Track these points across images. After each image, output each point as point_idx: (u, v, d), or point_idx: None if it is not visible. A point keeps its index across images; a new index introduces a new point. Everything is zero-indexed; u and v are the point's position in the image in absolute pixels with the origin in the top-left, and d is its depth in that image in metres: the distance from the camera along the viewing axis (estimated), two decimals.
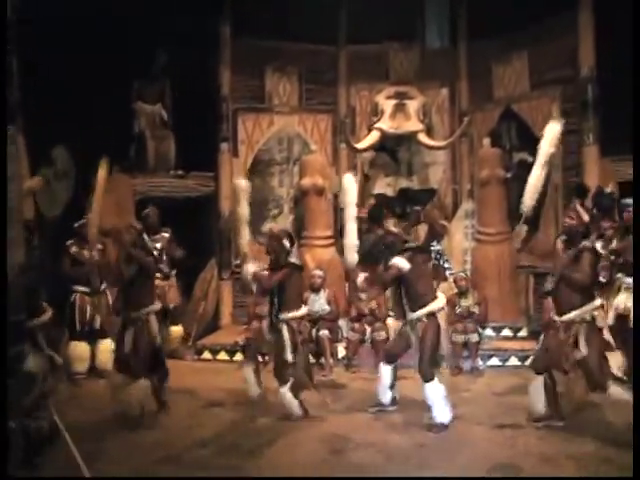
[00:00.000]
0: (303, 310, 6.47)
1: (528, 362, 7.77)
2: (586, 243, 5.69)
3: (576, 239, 5.71)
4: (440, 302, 6.14)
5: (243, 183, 8.49)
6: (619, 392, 5.54)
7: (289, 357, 6.18)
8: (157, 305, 6.51)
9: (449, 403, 5.93)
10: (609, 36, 8.82)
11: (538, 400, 5.80)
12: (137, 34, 9.14)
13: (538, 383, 5.81)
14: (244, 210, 8.16)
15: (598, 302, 5.76)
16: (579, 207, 7.51)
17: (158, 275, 8.66)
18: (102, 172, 7.60)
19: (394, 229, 6.53)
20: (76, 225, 7.95)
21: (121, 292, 6.68)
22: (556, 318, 5.73)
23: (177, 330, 8.97)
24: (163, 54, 10.01)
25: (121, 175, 9.32)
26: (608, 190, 8.30)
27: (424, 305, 6.02)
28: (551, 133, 6.32)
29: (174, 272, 8.95)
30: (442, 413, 5.85)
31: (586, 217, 6.41)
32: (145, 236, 8.48)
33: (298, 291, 6.51)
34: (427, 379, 5.90)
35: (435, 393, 5.88)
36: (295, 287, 6.41)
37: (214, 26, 10.18)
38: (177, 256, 8.82)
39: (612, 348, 6.66)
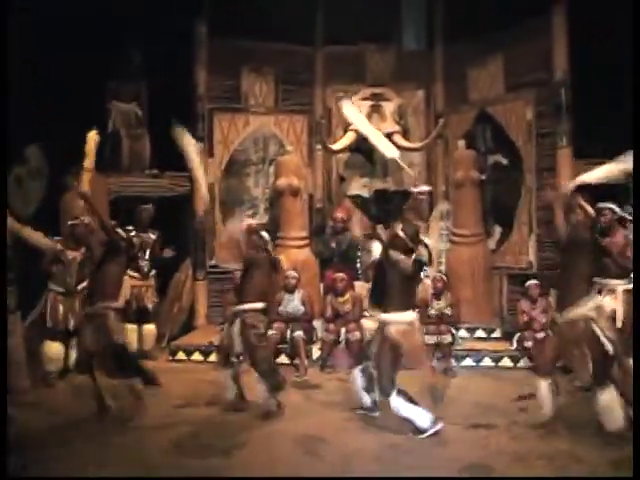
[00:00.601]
0: (259, 305, 6.41)
1: (520, 364, 8.00)
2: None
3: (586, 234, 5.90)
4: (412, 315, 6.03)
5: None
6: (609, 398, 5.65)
7: (237, 349, 6.20)
8: (117, 302, 6.42)
9: (422, 406, 5.87)
10: (583, 40, 8.91)
11: (546, 405, 5.85)
12: (113, 32, 9.09)
13: (544, 387, 5.87)
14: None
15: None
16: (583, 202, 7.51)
17: (136, 275, 8.72)
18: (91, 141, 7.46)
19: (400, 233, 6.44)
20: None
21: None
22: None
23: (150, 329, 8.94)
24: (139, 53, 9.97)
25: (95, 174, 9.22)
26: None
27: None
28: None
29: (153, 272, 8.97)
30: (421, 419, 5.74)
31: (591, 210, 6.42)
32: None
33: (262, 286, 6.48)
34: (385, 394, 5.83)
35: (400, 405, 5.77)
36: (260, 280, 6.40)
37: (190, 25, 10.14)
38: (166, 256, 8.88)
39: None
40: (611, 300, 6.83)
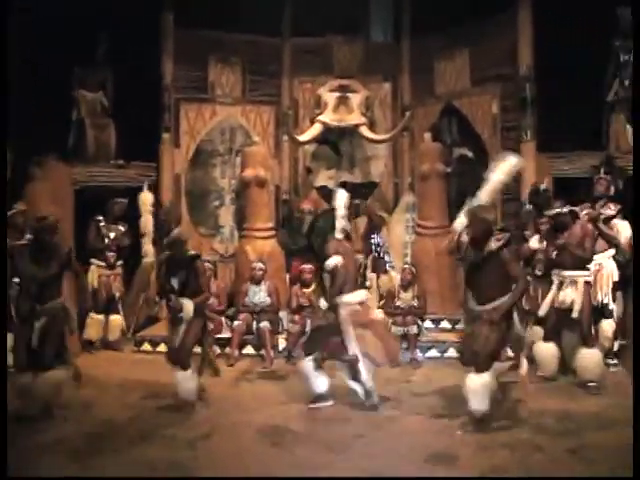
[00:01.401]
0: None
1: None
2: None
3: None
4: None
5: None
6: None
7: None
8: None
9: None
10: (547, 36, 9.02)
11: (482, 400, 5.62)
12: (79, 21, 8.99)
13: (482, 381, 5.65)
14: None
15: None
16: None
17: (103, 264, 8.78)
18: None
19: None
20: (8, 214, 7.74)
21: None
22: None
23: (117, 320, 8.95)
24: (105, 42, 9.87)
25: (59, 163, 9.15)
26: (543, 187, 8.50)
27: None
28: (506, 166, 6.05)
29: (120, 262, 9.07)
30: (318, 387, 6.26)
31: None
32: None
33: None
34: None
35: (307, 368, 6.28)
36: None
37: (157, 15, 10.06)
38: (124, 244, 9.01)
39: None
40: (572, 291, 6.98)
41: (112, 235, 8.94)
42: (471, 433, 5.54)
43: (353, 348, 6.22)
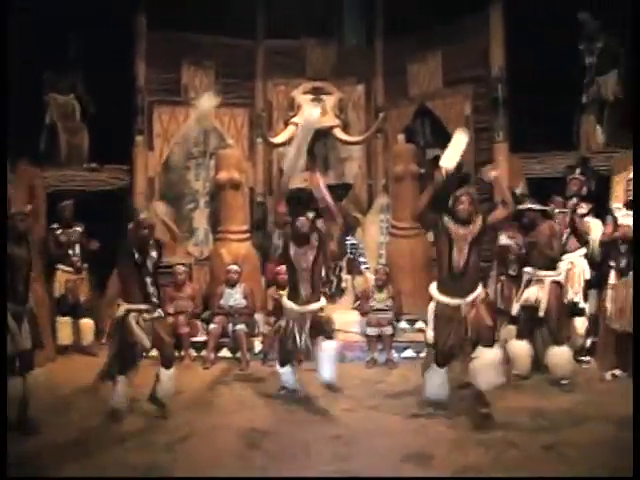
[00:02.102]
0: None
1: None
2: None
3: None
4: None
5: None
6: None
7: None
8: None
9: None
10: (519, 37, 9.12)
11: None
12: (50, 23, 8.93)
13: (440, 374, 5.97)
14: None
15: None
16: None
17: (69, 269, 8.68)
18: None
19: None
20: None
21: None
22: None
23: (88, 324, 8.86)
24: (76, 43, 9.79)
25: (31, 167, 9.08)
26: (519, 191, 8.56)
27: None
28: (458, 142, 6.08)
29: (86, 266, 8.96)
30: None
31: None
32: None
33: None
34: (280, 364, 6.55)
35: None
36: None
37: (129, 17, 10.00)
38: (92, 247, 8.84)
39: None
40: (538, 290, 7.07)
41: (72, 239, 8.83)
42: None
43: None
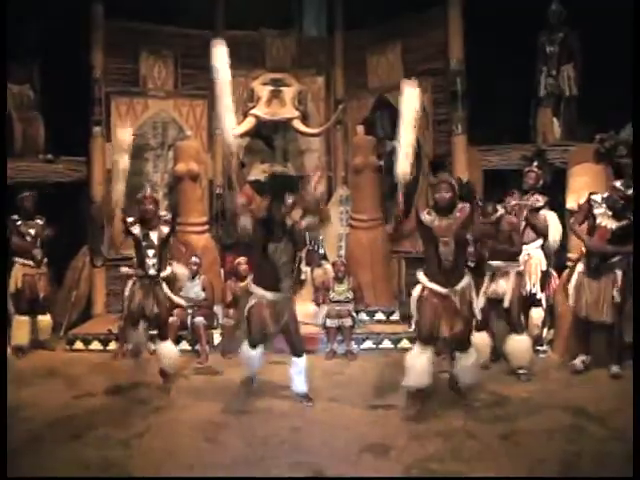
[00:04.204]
0: None
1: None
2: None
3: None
4: None
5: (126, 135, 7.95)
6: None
7: None
8: None
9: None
10: (477, 30, 9.18)
11: (426, 375, 5.81)
12: (5, 11, 8.74)
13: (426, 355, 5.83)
14: (124, 163, 7.66)
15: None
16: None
17: (30, 263, 8.47)
18: None
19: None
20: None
21: None
22: None
23: (46, 320, 8.70)
24: (32, 32, 9.61)
25: None
26: (465, 180, 8.61)
27: None
28: (410, 96, 6.05)
29: (45, 260, 8.71)
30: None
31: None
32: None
33: None
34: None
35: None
36: None
37: (86, 5, 9.84)
38: (47, 235, 8.62)
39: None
40: (503, 282, 7.17)
41: (32, 232, 8.51)
42: None
43: None
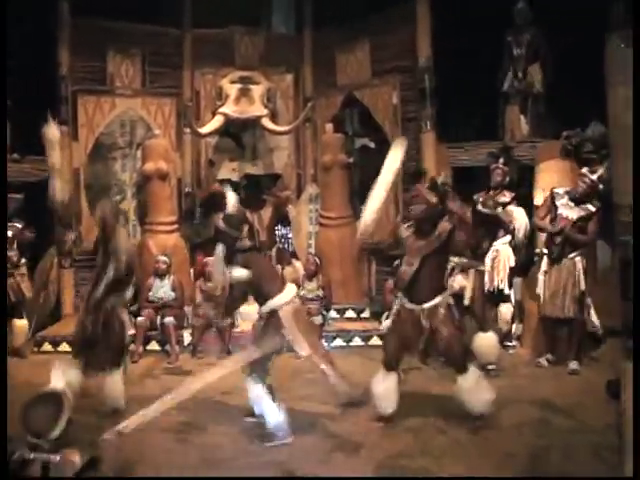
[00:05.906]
0: None
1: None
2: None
3: (429, 222, 5.61)
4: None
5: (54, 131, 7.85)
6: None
7: None
8: None
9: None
10: (445, 28, 9.23)
11: (392, 399, 5.63)
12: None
13: (391, 380, 5.64)
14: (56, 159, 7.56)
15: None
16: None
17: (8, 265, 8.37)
18: None
19: None
20: None
21: None
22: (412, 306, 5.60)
23: (22, 325, 8.42)
24: None
25: None
26: (441, 179, 8.62)
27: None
28: (395, 155, 5.97)
29: (23, 261, 8.62)
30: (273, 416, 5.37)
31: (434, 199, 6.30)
32: None
33: None
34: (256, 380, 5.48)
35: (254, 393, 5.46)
36: None
37: (52, 2, 9.73)
38: (27, 239, 8.58)
39: None
40: (462, 279, 7.21)
41: (10, 234, 8.44)
42: None
43: (305, 348, 5.68)
